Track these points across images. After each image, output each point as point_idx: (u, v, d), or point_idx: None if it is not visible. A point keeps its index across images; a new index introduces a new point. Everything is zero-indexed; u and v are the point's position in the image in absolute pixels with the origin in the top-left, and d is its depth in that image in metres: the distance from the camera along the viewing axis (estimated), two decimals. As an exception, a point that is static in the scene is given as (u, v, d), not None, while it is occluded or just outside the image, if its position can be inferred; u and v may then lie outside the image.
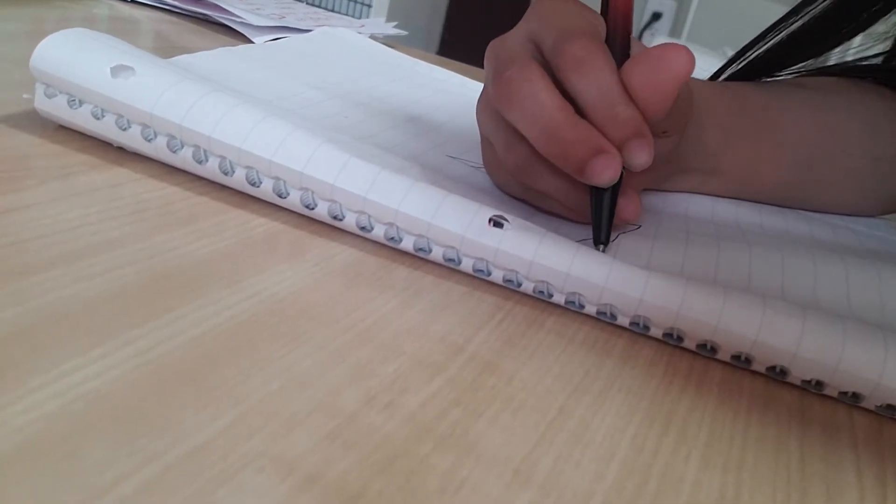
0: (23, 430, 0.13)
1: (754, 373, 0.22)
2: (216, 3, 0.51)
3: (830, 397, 0.21)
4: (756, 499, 0.16)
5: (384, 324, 0.20)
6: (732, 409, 0.20)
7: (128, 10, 0.49)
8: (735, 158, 0.36)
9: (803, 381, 0.21)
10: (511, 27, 0.27)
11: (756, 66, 0.40)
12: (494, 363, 0.19)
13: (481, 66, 0.29)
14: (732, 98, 0.36)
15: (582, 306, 0.22)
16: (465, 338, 0.20)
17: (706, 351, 0.22)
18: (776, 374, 0.21)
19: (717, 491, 0.16)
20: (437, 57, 0.71)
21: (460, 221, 0.22)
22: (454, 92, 0.46)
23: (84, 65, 0.24)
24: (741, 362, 0.21)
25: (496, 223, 0.22)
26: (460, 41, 2.32)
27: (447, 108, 0.41)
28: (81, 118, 0.24)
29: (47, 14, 0.44)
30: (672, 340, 0.22)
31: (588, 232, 0.25)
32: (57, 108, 0.25)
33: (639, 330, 0.22)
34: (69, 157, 0.24)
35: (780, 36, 0.39)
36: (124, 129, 0.24)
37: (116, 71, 0.24)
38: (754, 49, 0.40)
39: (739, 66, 0.41)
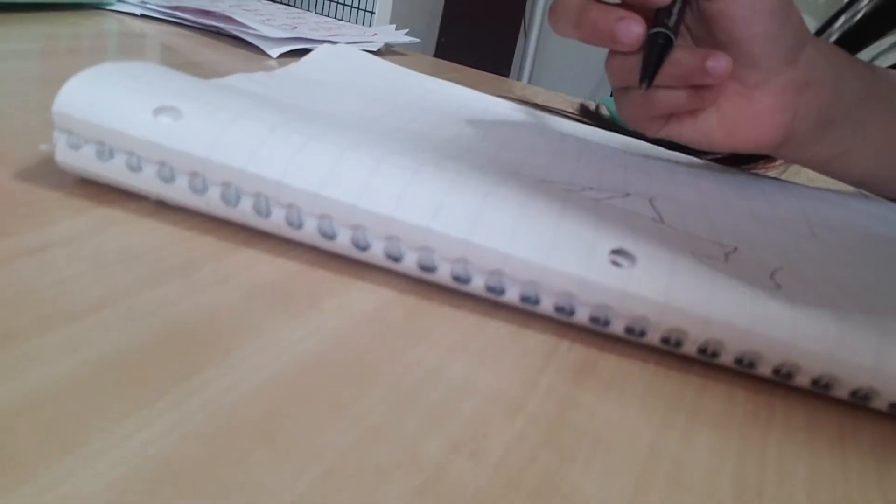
0: (93, 501, 0.12)
1: (836, 400, 0.21)
2: (228, 14, 0.50)
3: (919, 421, 0.20)
4: (874, 543, 0.15)
5: (443, 366, 0.18)
6: (825, 439, 0.19)
7: (138, 24, 0.48)
8: (875, 112, 0.36)
9: (890, 405, 0.20)
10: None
11: (846, 39, 0.42)
12: (572, 397, 0.18)
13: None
14: (867, 66, 0.37)
15: (715, 355, 0.20)
16: (537, 371, 0.19)
17: (819, 387, 0.20)
18: (859, 399, 0.20)
19: (833, 536, 0.15)
20: (435, 59, 0.70)
21: (577, 261, 0.20)
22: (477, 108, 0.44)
23: (120, 107, 0.21)
24: (820, 387, 0.20)
25: (615, 262, 0.20)
26: (456, 44, 2.31)
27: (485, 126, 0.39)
28: (115, 170, 0.22)
29: (58, 31, 0.43)
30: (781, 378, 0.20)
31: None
32: (83, 161, 0.22)
33: (779, 378, 0.20)
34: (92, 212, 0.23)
35: (867, 7, 0.41)
36: (167, 181, 0.22)
37: (160, 112, 0.22)
38: (841, 24, 0.42)
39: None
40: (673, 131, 0.36)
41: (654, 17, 0.32)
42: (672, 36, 0.32)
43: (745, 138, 0.35)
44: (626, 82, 0.35)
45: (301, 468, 0.14)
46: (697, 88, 0.34)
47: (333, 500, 0.13)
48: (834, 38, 0.44)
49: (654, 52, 0.32)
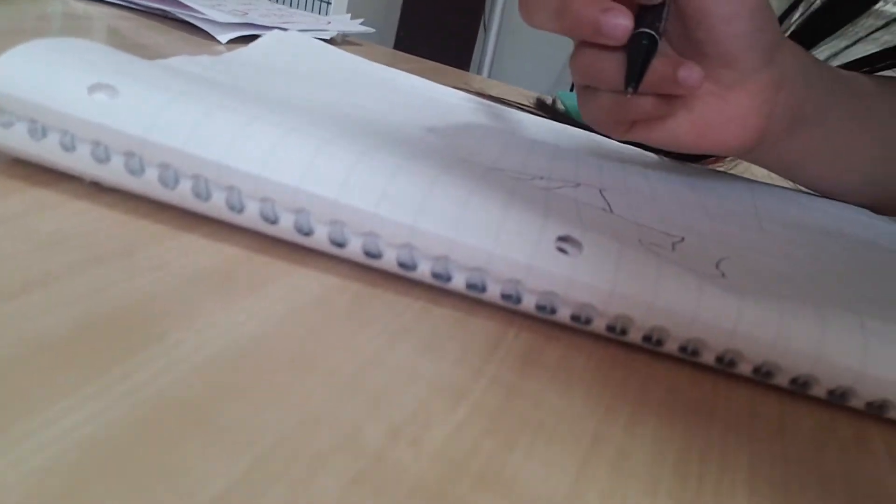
0: (12, 489, 0.11)
1: (779, 389, 0.21)
2: (177, -2, 0.48)
3: (856, 411, 0.21)
4: (811, 528, 0.15)
5: (387, 353, 0.18)
6: (766, 427, 0.19)
7: (82, 6, 0.47)
8: (837, 113, 0.36)
9: (829, 392, 0.20)
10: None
11: (799, 33, 0.42)
12: (517, 385, 0.18)
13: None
14: (829, 68, 0.37)
15: (660, 342, 0.20)
16: (482, 359, 0.19)
17: (761, 375, 0.20)
18: (799, 387, 0.20)
19: (771, 521, 0.15)
20: (392, 51, 0.70)
21: (524, 247, 0.20)
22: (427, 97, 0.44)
23: (55, 84, 0.21)
24: (762, 375, 0.20)
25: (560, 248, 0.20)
26: (415, 38, 2.30)
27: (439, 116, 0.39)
28: (48, 150, 0.21)
29: (-5, 9, 0.41)
30: (723, 366, 0.20)
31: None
32: (16, 139, 0.21)
33: (723, 366, 0.20)
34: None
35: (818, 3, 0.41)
36: (102, 162, 0.21)
37: (95, 89, 0.21)
38: (796, 19, 0.42)
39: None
40: (640, 135, 0.35)
41: (638, 16, 0.30)
42: (658, 37, 0.30)
43: (718, 141, 0.34)
44: (592, 81, 0.33)
45: (235, 454, 0.13)
46: (666, 96, 0.32)
47: (268, 486, 0.13)
48: (788, 33, 0.44)
49: (641, 54, 0.29)
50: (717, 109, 0.33)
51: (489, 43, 2.34)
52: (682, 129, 0.34)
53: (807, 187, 0.41)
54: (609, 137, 0.36)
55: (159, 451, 0.13)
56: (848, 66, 0.43)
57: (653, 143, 0.35)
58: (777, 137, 0.35)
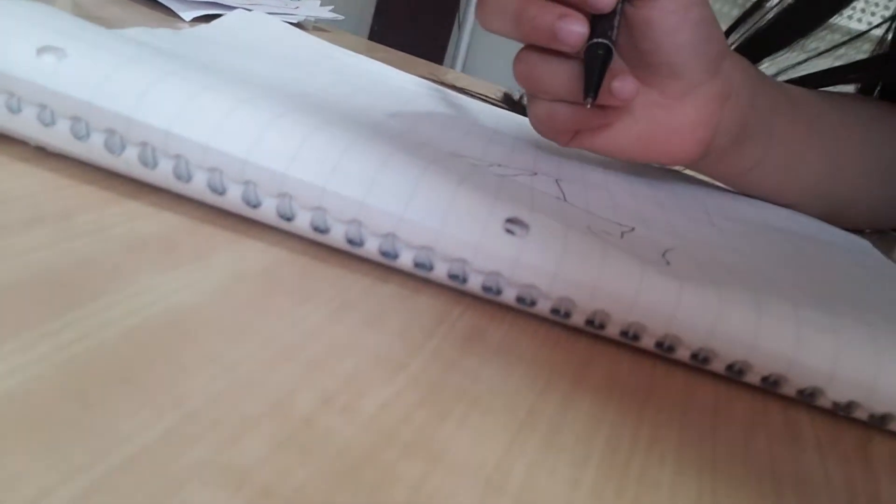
0: (-82, 438, 0.11)
1: (713, 374, 0.21)
2: (141, -28, 0.48)
3: (789, 398, 0.21)
4: (732, 501, 0.16)
5: (328, 325, 0.18)
6: (699, 409, 0.19)
7: (42, -26, 0.46)
8: (781, 125, 0.37)
9: (763, 379, 0.21)
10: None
11: (758, 41, 0.42)
12: (457, 361, 0.18)
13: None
14: (774, 83, 0.37)
15: (602, 326, 0.21)
16: (425, 335, 0.19)
17: (698, 361, 0.21)
18: (734, 374, 0.21)
19: (695, 495, 0.15)
20: (363, 39, 0.69)
21: (472, 227, 0.20)
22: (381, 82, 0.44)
23: (2, 45, 0.20)
24: (699, 361, 0.21)
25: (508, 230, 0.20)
26: (389, 31, 2.30)
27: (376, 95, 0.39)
28: None
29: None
30: (663, 351, 0.21)
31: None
32: None
33: (662, 351, 0.21)
34: (-24, 126, 0.21)
35: (778, 8, 0.41)
36: (48, 125, 0.20)
37: (43, 51, 0.20)
38: (752, 24, 0.42)
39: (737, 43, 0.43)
40: (584, 143, 0.35)
41: (592, 26, 0.30)
42: (612, 47, 0.30)
43: (662, 151, 0.35)
44: (534, 88, 0.33)
45: (157, 415, 0.13)
46: (602, 107, 0.32)
47: (190, 447, 0.12)
48: (736, 45, 0.45)
49: (598, 65, 0.29)
50: (663, 120, 0.34)
51: (463, 39, 2.34)
52: (626, 140, 0.34)
53: (754, 196, 0.42)
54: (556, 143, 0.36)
55: (81, 407, 0.13)
56: (803, 80, 0.44)
57: (598, 152, 0.35)
58: (723, 150, 0.36)
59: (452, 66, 2.34)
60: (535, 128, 0.35)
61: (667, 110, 0.34)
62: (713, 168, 0.38)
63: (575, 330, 0.21)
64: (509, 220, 0.21)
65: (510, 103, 0.54)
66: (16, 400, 0.12)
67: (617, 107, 0.32)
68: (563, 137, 0.35)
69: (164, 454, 0.12)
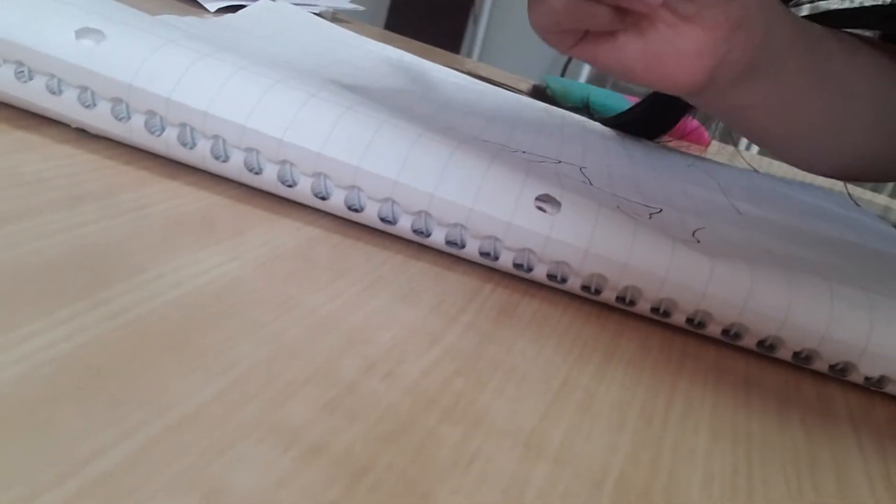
0: (-15, 396, 0.11)
1: (745, 350, 0.21)
2: (167, -36, 0.48)
3: (820, 373, 0.21)
4: (768, 469, 0.16)
5: (365, 299, 0.18)
6: (731, 383, 0.19)
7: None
8: (793, 65, 0.35)
9: (794, 355, 0.21)
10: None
11: None
12: (491, 333, 0.18)
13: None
14: (793, 18, 0.35)
15: (633, 302, 0.21)
16: (458, 309, 0.19)
17: (729, 336, 0.21)
18: (765, 349, 0.21)
19: (730, 463, 0.16)
20: (382, 30, 0.70)
21: (503, 204, 0.20)
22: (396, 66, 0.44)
23: (42, 27, 0.21)
24: (730, 337, 0.21)
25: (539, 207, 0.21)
26: (404, 24, 2.30)
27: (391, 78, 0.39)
28: (34, 93, 0.21)
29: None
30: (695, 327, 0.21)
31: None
32: (1, 81, 0.21)
33: (692, 326, 0.21)
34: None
35: None
36: (89, 107, 0.21)
37: (82, 34, 0.21)
38: None
39: None
40: (587, 52, 0.32)
41: None
42: None
43: (665, 74, 0.32)
44: None
45: (208, 379, 0.13)
46: (623, 10, 0.30)
47: (240, 408, 0.13)
48: None
49: None
50: (669, 41, 0.31)
51: (479, 28, 2.34)
52: (630, 54, 0.32)
53: (751, 139, 0.40)
54: (591, 116, 0.35)
55: (133, 371, 0.13)
56: (825, 16, 0.42)
57: (598, 65, 0.33)
58: (727, 82, 0.33)
59: (469, 56, 2.35)
60: (537, 28, 0.32)
61: (675, 31, 0.31)
62: (714, 101, 0.36)
63: (605, 306, 0.22)
64: (540, 198, 0.21)
65: (538, 95, 0.54)
66: (75, 362, 0.13)
67: (633, 14, 0.30)
68: (566, 41, 0.32)
69: (216, 414, 0.13)
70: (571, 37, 0.32)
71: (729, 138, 0.47)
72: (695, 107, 0.44)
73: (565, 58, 2.37)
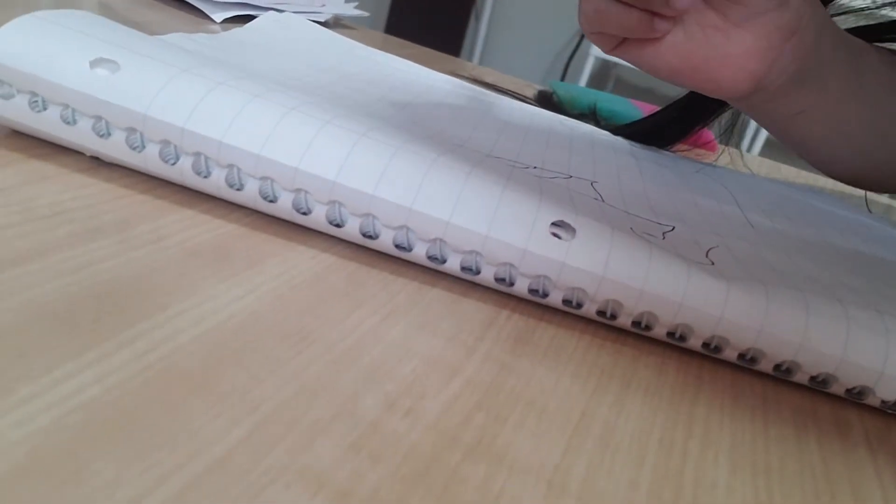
0: (17, 446, 0.12)
1: (760, 373, 0.21)
2: (173, -23, 0.48)
3: (836, 396, 0.21)
4: (789, 502, 0.16)
5: (383, 330, 0.18)
6: (748, 409, 0.19)
7: (77, -19, 0.46)
8: (837, 74, 0.34)
9: (811, 378, 0.21)
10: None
11: None
12: (509, 363, 0.18)
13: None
14: (838, 28, 0.35)
15: (649, 328, 0.21)
16: (476, 338, 0.19)
17: (745, 361, 0.21)
18: (782, 373, 0.21)
19: (752, 495, 0.16)
20: (385, 35, 0.70)
21: (519, 231, 0.20)
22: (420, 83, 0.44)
23: (56, 57, 0.21)
24: (746, 361, 0.21)
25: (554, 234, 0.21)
26: (406, 24, 2.30)
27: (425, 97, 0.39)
28: (47, 123, 0.21)
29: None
30: (711, 351, 0.21)
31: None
32: (16, 111, 0.21)
33: (709, 351, 0.21)
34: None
35: None
36: (103, 136, 0.21)
37: (97, 64, 0.21)
38: None
39: None
40: (631, 53, 0.32)
41: None
42: None
43: (710, 78, 0.32)
44: None
45: (236, 419, 0.13)
46: (652, 14, 0.30)
47: (269, 450, 0.13)
48: None
49: None
50: (718, 44, 0.31)
51: (480, 30, 2.34)
52: (674, 57, 0.32)
53: (793, 149, 0.40)
54: (597, 123, 0.35)
55: (162, 414, 0.13)
56: (860, 31, 0.41)
57: (642, 67, 0.33)
58: (775, 89, 0.33)
59: (470, 56, 2.34)
60: (583, 27, 0.32)
61: (724, 34, 0.31)
62: (759, 108, 0.35)
63: (621, 330, 0.22)
64: (555, 224, 0.21)
65: (544, 101, 0.54)
66: (103, 407, 0.13)
67: (673, 19, 0.30)
68: (608, 42, 0.32)
69: (245, 458, 0.13)
70: (613, 38, 0.32)
71: (728, 138, 0.47)
72: (709, 118, 0.44)
73: (565, 60, 2.37)
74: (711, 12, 0.31)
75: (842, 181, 0.41)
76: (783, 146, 0.39)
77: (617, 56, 0.32)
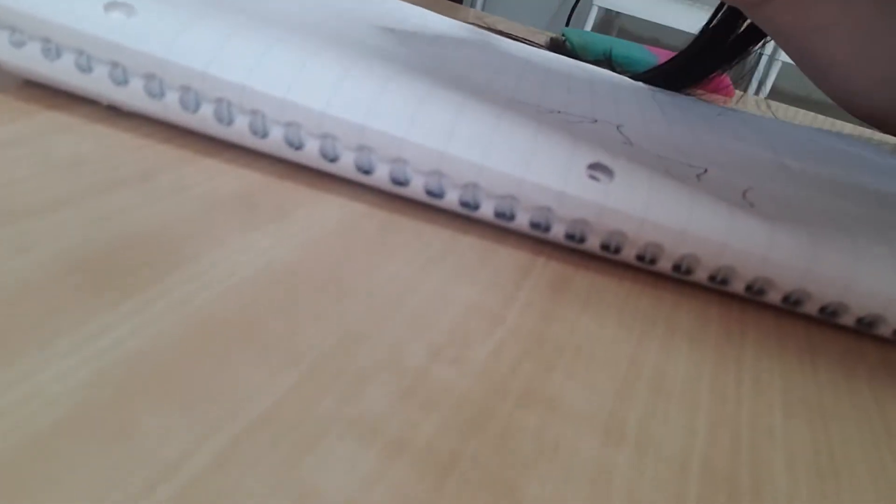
0: (59, 402, 0.11)
1: (804, 316, 0.21)
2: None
3: (882, 339, 0.21)
4: (849, 446, 0.15)
5: (419, 279, 0.18)
6: (795, 353, 0.19)
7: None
8: (867, 6, 0.32)
9: (857, 320, 0.20)
10: None
11: None
12: (551, 310, 0.18)
13: None
14: None
15: (690, 272, 0.20)
16: (515, 285, 0.18)
17: (789, 304, 0.20)
18: (827, 316, 0.20)
19: (810, 440, 0.15)
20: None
21: (555, 173, 0.20)
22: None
23: (68, 1, 0.20)
24: (790, 304, 0.20)
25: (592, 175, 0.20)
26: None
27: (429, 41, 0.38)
28: (62, 71, 0.20)
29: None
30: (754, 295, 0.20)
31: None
32: (28, 59, 0.20)
33: (751, 294, 0.20)
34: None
35: None
36: (121, 84, 0.20)
37: (111, 7, 0.20)
38: None
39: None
40: None
41: None
42: None
43: None
44: None
45: (280, 370, 0.13)
46: None
47: (318, 400, 0.12)
48: None
49: None
50: None
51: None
52: None
53: (812, 77, 0.38)
54: (612, 67, 0.33)
55: (205, 365, 0.13)
56: None
57: None
58: None
59: (473, 6, 2.30)
60: None
61: None
62: (777, 16, 0.33)
63: (659, 275, 0.21)
64: (592, 166, 0.20)
65: (556, 49, 0.53)
66: (143, 360, 0.12)
67: None
68: None
69: (294, 409, 0.12)
70: None
71: (746, 84, 0.46)
72: (732, 60, 0.43)
73: (570, 6, 2.32)
74: None
75: (861, 117, 0.39)
76: (803, 72, 0.37)
77: None
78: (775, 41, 0.36)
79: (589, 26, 2.15)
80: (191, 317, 0.14)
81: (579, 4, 2.28)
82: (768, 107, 0.54)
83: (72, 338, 0.12)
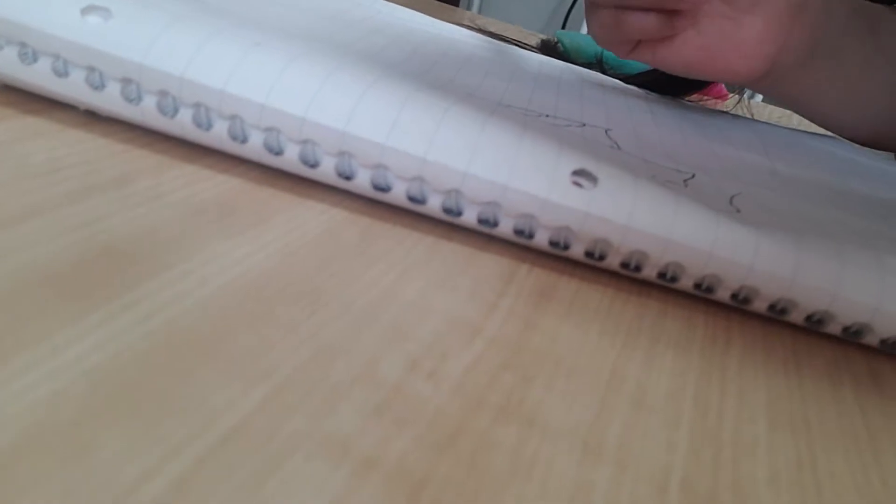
0: (15, 421, 0.11)
1: (789, 325, 0.21)
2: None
3: (869, 348, 0.20)
4: (833, 460, 0.15)
5: (399, 287, 0.17)
6: (781, 362, 0.19)
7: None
8: (852, 47, 0.34)
9: (844, 329, 0.20)
10: None
11: None
12: (533, 320, 0.17)
13: None
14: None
15: (675, 279, 0.20)
16: (496, 294, 0.18)
17: (775, 312, 0.20)
18: (813, 324, 0.20)
19: (794, 455, 0.15)
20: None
21: (539, 180, 0.19)
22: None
23: (45, 5, 0.19)
24: (776, 312, 0.20)
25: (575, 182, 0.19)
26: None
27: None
28: (39, 75, 0.20)
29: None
30: (738, 304, 0.20)
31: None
32: (5, 64, 0.20)
33: (737, 303, 0.20)
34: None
35: None
36: (97, 89, 0.20)
37: (88, 11, 0.20)
38: None
39: None
40: (645, 54, 0.33)
41: None
42: None
43: (725, 66, 0.33)
44: None
45: (251, 385, 0.13)
46: (670, 14, 0.31)
47: (286, 421, 0.12)
48: None
49: None
50: (729, 33, 0.32)
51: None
52: (689, 52, 0.33)
53: (815, 122, 0.40)
54: (603, 70, 0.35)
55: (171, 381, 0.12)
56: None
57: (658, 64, 0.34)
58: (787, 68, 0.34)
59: (469, 8, 2.30)
60: (596, 36, 0.33)
61: (733, 22, 0.32)
62: (774, 88, 0.36)
63: (645, 283, 0.21)
64: (576, 173, 0.20)
65: (547, 51, 0.53)
66: (108, 376, 0.12)
67: (681, 12, 0.31)
68: (623, 47, 0.33)
69: (262, 427, 0.12)
70: (628, 44, 0.33)
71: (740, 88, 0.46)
72: None
73: (566, 9, 2.32)
74: (719, 2, 0.31)
75: (866, 145, 0.40)
76: (804, 118, 0.39)
77: (633, 58, 0.33)
78: (775, 100, 0.39)
79: (585, 29, 2.15)
80: (158, 330, 0.13)
81: (575, 7, 2.28)
82: (746, 107, 0.54)
83: (34, 353, 0.12)
